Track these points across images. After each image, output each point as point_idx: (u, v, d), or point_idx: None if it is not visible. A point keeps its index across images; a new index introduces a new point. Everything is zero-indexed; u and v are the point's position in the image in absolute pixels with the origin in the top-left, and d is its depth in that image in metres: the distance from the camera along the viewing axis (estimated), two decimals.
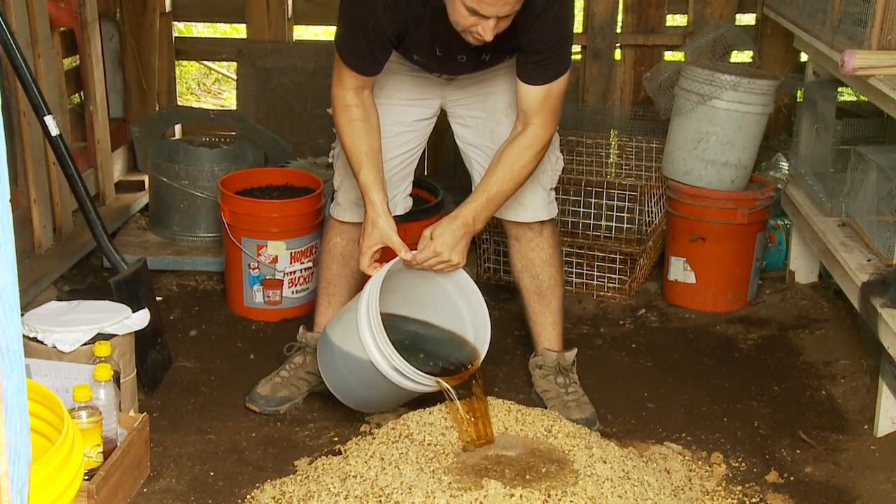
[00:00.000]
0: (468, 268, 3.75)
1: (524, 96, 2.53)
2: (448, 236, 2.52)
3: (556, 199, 3.68)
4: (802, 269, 3.74)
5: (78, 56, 3.84)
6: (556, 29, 2.45)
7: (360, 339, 2.45)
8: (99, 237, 2.93)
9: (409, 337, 2.61)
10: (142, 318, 2.60)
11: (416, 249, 2.54)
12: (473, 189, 2.68)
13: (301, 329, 2.96)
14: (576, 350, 2.93)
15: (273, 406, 2.80)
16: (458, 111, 2.78)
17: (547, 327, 2.90)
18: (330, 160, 2.92)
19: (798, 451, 2.70)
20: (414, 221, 3.29)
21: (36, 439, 1.85)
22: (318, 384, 2.89)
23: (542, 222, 2.82)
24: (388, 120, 2.68)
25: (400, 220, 3.29)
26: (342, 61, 2.51)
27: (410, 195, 2.92)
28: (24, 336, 1.56)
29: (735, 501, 2.45)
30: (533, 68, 2.50)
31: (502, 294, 3.68)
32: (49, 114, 2.80)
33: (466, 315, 2.63)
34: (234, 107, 4.82)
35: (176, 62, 4.58)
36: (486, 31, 2.28)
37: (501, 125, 2.71)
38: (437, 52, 2.53)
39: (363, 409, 2.71)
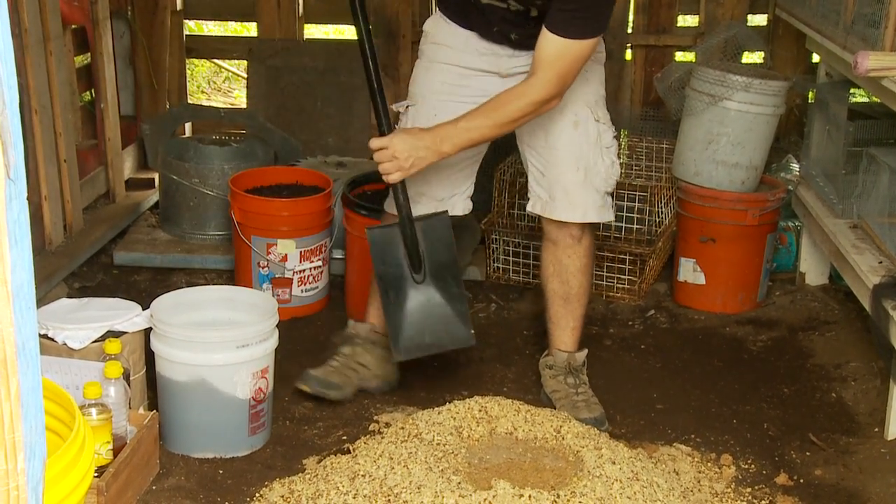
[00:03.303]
0: (476, 268, 3.77)
1: (541, 44, 2.49)
2: (410, 138, 2.52)
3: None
4: (813, 270, 3.73)
5: (89, 53, 3.85)
6: None
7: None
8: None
9: None
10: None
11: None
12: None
13: (350, 321, 2.98)
14: (586, 351, 2.92)
15: (323, 388, 2.79)
16: None
17: (566, 331, 2.89)
18: None
19: (808, 454, 2.69)
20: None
21: (47, 436, 1.85)
22: (366, 379, 2.89)
23: (581, 231, 2.78)
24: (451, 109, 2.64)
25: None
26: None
27: (471, 198, 2.90)
28: None
29: (744, 503, 2.44)
30: (561, 16, 2.46)
31: (511, 294, 3.68)
32: None
33: None
34: (244, 105, 4.82)
35: (187, 60, 4.59)
36: None
37: (557, 126, 2.68)
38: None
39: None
